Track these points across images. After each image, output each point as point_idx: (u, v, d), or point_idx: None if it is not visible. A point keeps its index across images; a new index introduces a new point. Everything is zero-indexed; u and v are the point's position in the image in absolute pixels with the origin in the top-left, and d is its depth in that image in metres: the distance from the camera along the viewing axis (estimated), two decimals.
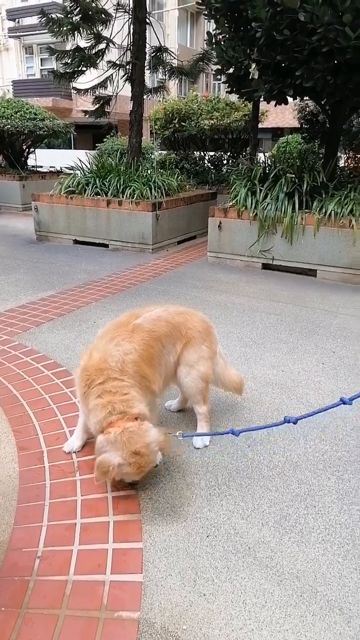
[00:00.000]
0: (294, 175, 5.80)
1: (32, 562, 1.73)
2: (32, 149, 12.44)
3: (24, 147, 12.09)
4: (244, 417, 2.72)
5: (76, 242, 7.37)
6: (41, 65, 27.08)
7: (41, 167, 14.73)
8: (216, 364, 2.50)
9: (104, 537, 1.85)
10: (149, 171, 7.58)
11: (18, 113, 10.81)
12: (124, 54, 8.16)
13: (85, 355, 2.12)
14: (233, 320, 4.20)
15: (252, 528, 1.92)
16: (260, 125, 9.92)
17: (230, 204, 6.13)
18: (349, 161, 10.46)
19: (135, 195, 6.84)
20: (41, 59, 27.02)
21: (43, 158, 16.26)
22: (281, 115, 20.73)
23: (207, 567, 1.73)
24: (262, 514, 2.00)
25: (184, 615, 1.56)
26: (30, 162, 13.03)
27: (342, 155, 10.48)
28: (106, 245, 7.13)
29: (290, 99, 6.01)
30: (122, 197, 6.92)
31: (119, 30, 7.97)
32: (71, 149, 22.71)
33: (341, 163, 9.09)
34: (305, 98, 6.61)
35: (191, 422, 2.61)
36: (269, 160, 6.86)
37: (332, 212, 5.40)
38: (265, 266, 6.01)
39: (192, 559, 1.76)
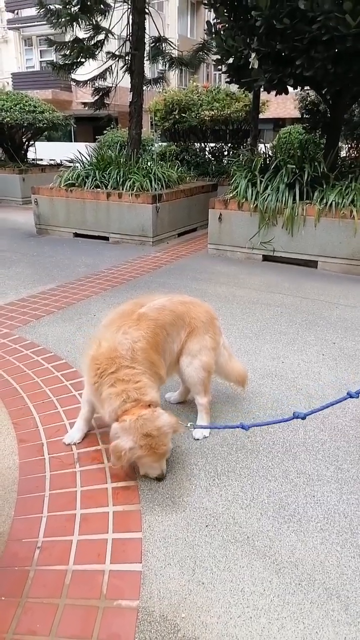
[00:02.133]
0: (294, 166, 5.76)
1: (32, 552, 1.74)
2: (32, 142, 12.38)
3: (24, 140, 12.02)
4: (244, 409, 2.72)
5: (76, 235, 7.36)
6: (40, 57, 26.87)
7: (41, 160, 14.68)
8: (220, 355, 2.50)
9: (103, 527, 1.86)
10: (149, 163, 7.54)
11: (17, 106, 10.74)
12: (123, 44, 8.09)
13: (93, 345, 2.12)
14: (233, 312, 4.20)
15: (251, 518, 1.93)
16: (261, 116, 9.85)
17: (231, 195, 6.11)
18: (351, 151, 10.38)
19: (135, 188, 6.81)
20: (40, 51, 26.81)
21: (43, 151, 16.21)
22: (282, 105, 20.57)
23: (205, 557, 1.75)
24: (261, 503, 2.01)
25: (182, 604, 1.57)
26: (30, 155, 12.97)
27: (344, 145, 10.40)
28: (106, 238, 7.12)
29: (290, 89, 5.95)
30: (122, 189, 6.89)
31: (118, 20, 7.90)
32: (71, 141, 22.60)
33: (342, 153, 9.02)
34: (306, 88, 6.55)
35: (191, 413, 2.61)
36: (269, 151, 6.81)
37: (333, 202, 5.37)
38: (266, 258, 5.99)
39: (191, 549, 1.77)
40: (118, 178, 7.06)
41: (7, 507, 1.96)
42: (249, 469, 2.21)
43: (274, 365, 3.24)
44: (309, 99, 10.45)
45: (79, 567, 1.69)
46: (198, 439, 2.41)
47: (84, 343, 3.49)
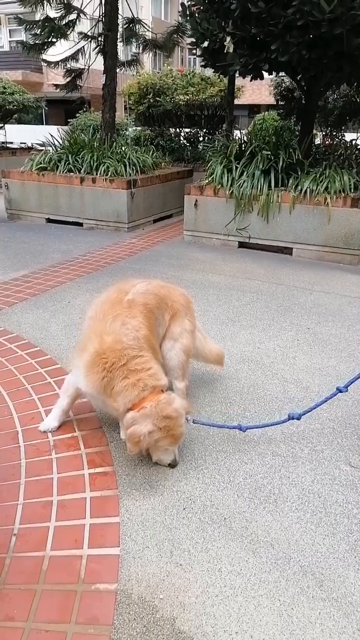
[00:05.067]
0: (269, 153, 5.76)
1: (8, 539, 1.72)
2: (1, 125, 12.02)
3: None
4: (221, 394, 2.74)
5: (49, 220, 7.21)
6: (9, 37, 25.98)
7: (11, 143, 14.29)
8: (196, 338, 2.53)
9: (81, 513, 1.86)
10: (123, 148, 7.42)
11: None
12: (95, 25, 7.88)
13: (95, 340, 2.03)
14: (209, 298, 4.20)
15: (227, 499, 1.95)
16: (236, 102, 9.78)
17: (206, 181, 6.08)
18: (325, 138, 10.45)
19: (110, 173, 6.71)
20: (9, 30, 25.92)
21: (13, 134, 15.77)
22: (258, 91, 20.53)
23: (183, 539, 1.76)
24: (238, 485, 2.03)
25: (160, 585, 1.58)
26: (0, 138, 12.61)
27: (318, 132, 10.46)
28: (80, 224, 7.00)
29: (266, 75, 5.93)
30: (96, 174, 6.78)
31: (90, 0, 7.69)
32: (42, 124, 22.04)
33: (317, 140, 9.08)
34: (281, 73, 6.53)
35: None
36: (245, 137, 6.80)
37: (308, 189, 5.40)
38: (242, 244, 6.01)
39: (168, 531, 1.79)
40: (92, 162, 6.93)
41: None
42: (225, 453, 2.24)
43: (249, 350, 3.26)
44: (283, 85, 10.44)
45: (56, 553, 1.68)
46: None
47: (60, 331, 3.45)
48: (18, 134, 16.26)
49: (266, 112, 12.86)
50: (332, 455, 2.24)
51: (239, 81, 9.40)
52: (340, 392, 2.19)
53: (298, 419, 2.18)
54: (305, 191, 5.41)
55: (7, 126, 12.65)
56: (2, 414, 2.48)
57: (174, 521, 1.84)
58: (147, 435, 1.90)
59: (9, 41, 25.96)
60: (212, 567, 1.66)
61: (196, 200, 6.09)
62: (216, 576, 1.62)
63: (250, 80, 6.00)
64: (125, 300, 2.17)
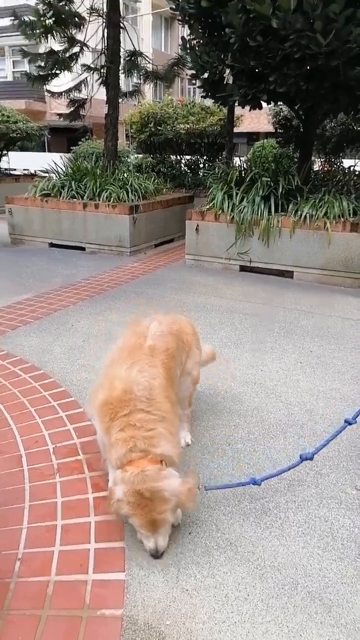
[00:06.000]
0: (269, 179, 5.88)
1: (12, 564, 1.70)
2: (5, 152, 12.28)
3: None
4: (225, 417, 2.74)
5: (52, 245, 7.31)
6: (13, 68, 26.75)
7: (14, 170, 14.55)
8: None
9: (85, 537, 1.84)
10: (125, 174, 7.58)
11: None
12: (98, 57, 8.15)
13: (105, 386, 1.89)
14: (212, 321, 4.23)
15: (233, 524, 1.94)
16: (235, 130, 10.03)
17: (208, 207, 6.18)
18: (323, 165, 10.67)
19: (112, 199, 6.83)
20: (13, 61, 26.70)
21: (16, 161, 16.07)
22: (256, 120, 20.98)
23: (189, 564, 1.74)
24: (243, 510, 2.02)
25: (167, 611, 1.56)
26: (3, 164, 12.86)
27: (316, 159, 10.68)
28: (83, 249, 7.09)
29: (264, 104, 6.10)
30: (99, 200, 6.90)
31: (93, 33, 7.96)
32: (45, 152, 22.51)
33: (315, 167, 9.26)
34: (279, 103, 6.72)
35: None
36: (244, 164, 6.94)
37: (307, 214, 5.50)
38: (243, 268, 6.07)
39: (174, 556, 1.77)
40: (94, 189, 7.06)
41: None
42: (231, 476, 2.22)
43: (252, 373, 3.27)
44: (282, 114, 10.71)
45: (61, 578, 1.66)
46: None
47: (63, 354, 3.46)
48: (21, 161, 16.59)
49: (265, 140, 13.15)
50: (338, 478, 2.23)
51: (238, 110, 9.64)
52: (350, 424, 2.14)
53: (310, 459, 2.05)
54: (305, 216, 5.50)
55: (10, 153, 12.91)
56: (5, 437, 2.47)
57: (180, 546, 1.82)
58: (116, 502, 1.69)
59: (13, 72, 26.72)
60: (219, 592, 1.64)
61: (197, 225, 6.18)
62: (223, 602, 1.60)
63: (250, 110, 6.17)
64: (147, 347, 2.01)
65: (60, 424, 2.59)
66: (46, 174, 7.93)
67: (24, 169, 15.34)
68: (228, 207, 5.96)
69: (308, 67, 4.81)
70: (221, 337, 3.88)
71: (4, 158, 12.47)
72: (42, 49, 8.41)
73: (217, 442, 2.48)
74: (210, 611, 1.57)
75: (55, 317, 4.24)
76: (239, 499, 2.08)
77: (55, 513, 1.97)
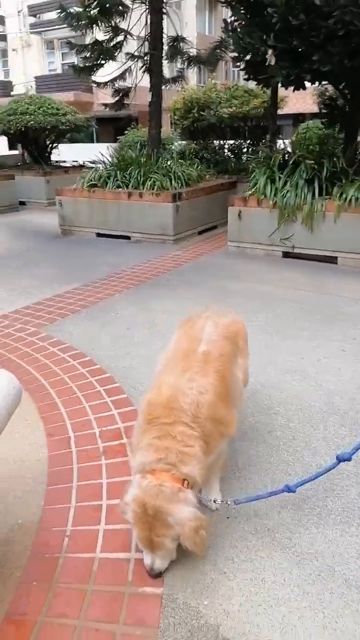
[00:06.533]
0: (313, 162, 5.73)
1: (61, 540, 1.83)
2: (55, 144, 12.58)
3: (47, 142, 12.24)
4: (264, 404, 2.76)
5: (99, 235, 7.47)
6: (62, 60, 27.19)
7: (64, 162, 14.88)
8: None
9: None
10: (168, 162, 7.60)
11: (41, 109, 10.95)
12: (141, 45, 8.15)
13: (153, 390, 1.81)
14: (254, 308, 4.22)
15: (271, 510, 1.97)
16: (280, 112, 9.77)
17: (250, 192, 6.11)
18: None
19: (156, 187, 6.88)
20: (62, 54, 27.12)
21: (66, 153, 16.43)
22: (302, 100, 20.29)
23: (227, 547, 1.80)
24: (281, 497, 2.04)
25: (205, 592, 1.63)
26: (54, 157, 13.19)
27: None
28: (128, 237, 7.21)
29: (308, 84, 5.92)
30: (143, 188, 6.97)
31: (137, 21, 7.96)
32: (93, 142, 22.83)
33: None
34: (324, 82, 6.49)
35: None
36: (288, 147, 6.79)
37: (353, 197, 5.33)
38: (286, 254, 5.98)
39: (213, 539, 1.83)
40: (139, 177, 7.14)
41: (38, 498, 2.05)
42: (269, 464, 2.26)
43: (293, 360, 3.26)
44: (327, 93, 10.31)
45: (105, 555, 1.76)
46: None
47: (109, 342, 3.58)
48: (70, 152, 16.93)
49: (310, 121, 12.74)
50: None
51: (282, 91, 9.38)
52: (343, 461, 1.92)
53: (349, 460, 1.89)
54: (350, 199, 5.34)
55: (60, 145, 13.20)
56: (55, 420, 2.61)
57: (218, 530, 1.88)
58: (122, 504, 1.65)
59: (62, 64, 27.17)
60: (256, 576, 1.68)
61: (240, 211, 6.13)
62: (260, 586, 1.65)
63: (293, 91, 6.00)
64: (201, 352, 1.86)
65: (105, 409, 2.70)
66: (93, 165, 8.08)
67: (73, 161, 15.66)
68: (271, 191, 5.86)
69: (353, 44, 4.62)
70: (262, 324, 3.87)
71: (54, 150, 12.79)
72: (88, 40, 8.51)
73: (257, 429, 2.51)
74: (247, 594, 1.62)
75: (101, 305, 4.37)
76: (276, 485, 2.10)
77: (100, 493, 2.07)
